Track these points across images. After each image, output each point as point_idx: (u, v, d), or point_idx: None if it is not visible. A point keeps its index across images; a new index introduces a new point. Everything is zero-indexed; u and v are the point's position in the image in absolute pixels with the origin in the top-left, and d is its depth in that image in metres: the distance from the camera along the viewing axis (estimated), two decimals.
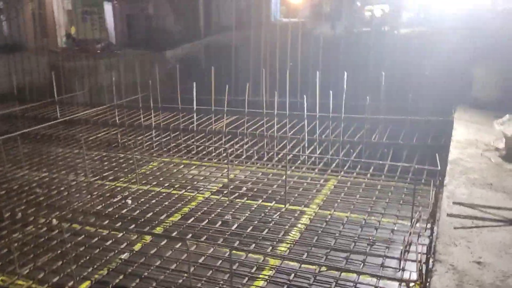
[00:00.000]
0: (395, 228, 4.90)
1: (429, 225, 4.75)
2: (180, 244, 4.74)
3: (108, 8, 14.02)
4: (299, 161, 6.82)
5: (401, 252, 4.29)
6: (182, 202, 5.79)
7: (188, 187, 6.26)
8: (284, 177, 5.72)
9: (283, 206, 5.53)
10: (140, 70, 10.70)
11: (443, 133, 6.42)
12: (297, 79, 8.09)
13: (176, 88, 7.73)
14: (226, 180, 6.28)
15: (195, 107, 7.58)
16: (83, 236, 4.99)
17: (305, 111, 6.70)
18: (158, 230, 5.15)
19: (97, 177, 6.69)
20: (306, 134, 6.86)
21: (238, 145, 7.34)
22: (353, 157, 6.45)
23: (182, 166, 7.08)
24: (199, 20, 12.32)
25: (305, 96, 6.70)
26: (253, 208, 5.53)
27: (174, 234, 4.99)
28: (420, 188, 5.71)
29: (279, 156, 6.90)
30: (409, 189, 5.76)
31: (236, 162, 7.06)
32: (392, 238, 4.71)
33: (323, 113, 6.80)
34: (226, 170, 6.80)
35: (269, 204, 5.65)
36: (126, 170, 6.94)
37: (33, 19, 12.74)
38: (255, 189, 6.04)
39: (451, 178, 4.37)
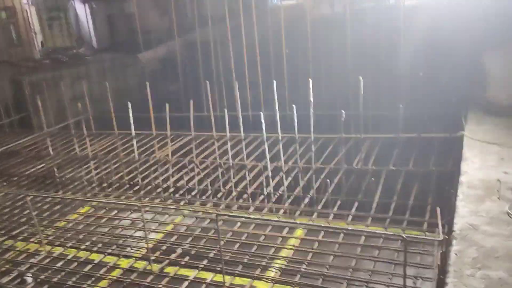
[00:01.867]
0: None
1: None
2: None
3: (83, 9, 12.50)
4: (261, 197, 5.19)
5: None
6: (96, 277, 4.24)
7: (112, 248, 4.71)
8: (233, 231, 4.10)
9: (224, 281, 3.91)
10: (112, 77, 9.26)
11: (449, 153, 4.69)
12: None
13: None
14: (160, 236, 4.74)
15: (133, 132, 5.99)
16: None
17: (264, 130, 4.99)
18: None
19: (6, 237, 5.21)
20: (268, 161, 5.20)
21: (187, 178, 5.76)
22: (331, 189, 4.80)
23: (115, 212, 5.52)
24: (186, 15, 10.71)
25: (261, 112, 5.01)
26: (184, 287, 3.93)
27: None
28: (420, 238, 4.04)
29: (233, 195, 5.29)
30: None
31: (181, 203, 5.46)
32: None
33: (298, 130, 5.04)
34: (166, 216, 5.29)
35: (207, 276, 4.04)
36: (45, 221, 5.44)
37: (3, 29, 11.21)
38: (193, 252, 4.43)
39: (458, 281, 2.49)
